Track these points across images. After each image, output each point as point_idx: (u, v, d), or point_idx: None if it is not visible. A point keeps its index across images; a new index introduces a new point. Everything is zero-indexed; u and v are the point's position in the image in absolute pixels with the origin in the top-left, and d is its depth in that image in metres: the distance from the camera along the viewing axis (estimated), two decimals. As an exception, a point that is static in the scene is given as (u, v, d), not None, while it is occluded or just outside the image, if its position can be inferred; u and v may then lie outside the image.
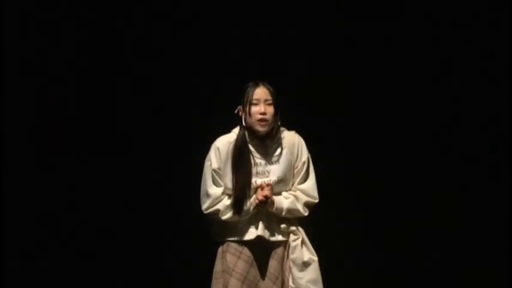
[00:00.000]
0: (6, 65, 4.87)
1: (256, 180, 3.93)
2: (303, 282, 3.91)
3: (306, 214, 3.98)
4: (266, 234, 3.93)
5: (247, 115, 3.95)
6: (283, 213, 3.95)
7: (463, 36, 5.03)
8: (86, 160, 4.99)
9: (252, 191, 3.93)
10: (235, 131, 4.02)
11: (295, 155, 4.00)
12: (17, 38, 4.89)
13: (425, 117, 5.08)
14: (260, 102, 3.94)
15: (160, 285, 4.97)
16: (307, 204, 3.97)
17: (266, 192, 3.89)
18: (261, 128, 3.94)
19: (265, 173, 3.96)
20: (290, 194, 3.97)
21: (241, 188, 3.92)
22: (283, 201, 3.95)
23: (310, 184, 4.01)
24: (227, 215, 3.93)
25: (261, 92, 3.95)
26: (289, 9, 5.04)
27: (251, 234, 3.94)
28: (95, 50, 4.98)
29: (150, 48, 5.00)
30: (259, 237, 3.92)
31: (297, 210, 3.96)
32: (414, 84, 5.06)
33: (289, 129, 4.05)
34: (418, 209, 5.01)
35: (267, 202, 3.89)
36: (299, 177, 4.00)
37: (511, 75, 4.97)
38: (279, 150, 3.99)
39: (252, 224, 3.94)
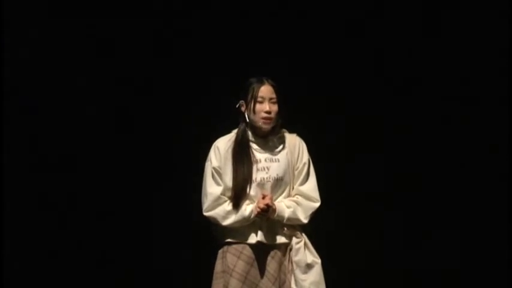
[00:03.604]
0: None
1: (256, 177, 3.93)
2: (306, 284, 3.92)
3: (306, 221, 3.97)
4: (266, 239, 3.93)
5: (251, 112, 3.96)
6: (284, 221, 3.95)
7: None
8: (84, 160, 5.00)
9: (252, 187, 3.93)
10: (235, 131, 4.03)
11: (296, 156, 4.01)
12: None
13: (424, 116, 5.09)
14: (265, 100, 3.95)
15: (160, 285, 4.97)
16: (309, 210, 3.96)
17: (267, 201, 3.89)
18: (264, 126, 3.96)
19: (265, 169, 3.96)
20: (292, 201, 3.97)
21: (241, 182, 3.92)
22: (285, 210, 3.93)
23: (311, 186, 4.01)
24: (227, 221, 3.92)
25: (266, 90, 3.96)
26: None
27: (251, 238, 3.94)
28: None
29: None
30: (259, 242, 3.92)
31: (298, 219, 3.95)
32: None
33: (290, 131, 4.07)
34: (419, 210, 5.02)
35: (267, 211, 3.88)
36: (300, 179, 4.00)
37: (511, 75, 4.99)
38: (280, 149, 4.00)
39: (252, 228, 3.93)
